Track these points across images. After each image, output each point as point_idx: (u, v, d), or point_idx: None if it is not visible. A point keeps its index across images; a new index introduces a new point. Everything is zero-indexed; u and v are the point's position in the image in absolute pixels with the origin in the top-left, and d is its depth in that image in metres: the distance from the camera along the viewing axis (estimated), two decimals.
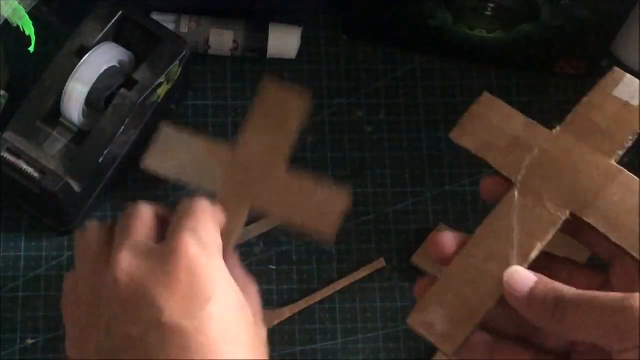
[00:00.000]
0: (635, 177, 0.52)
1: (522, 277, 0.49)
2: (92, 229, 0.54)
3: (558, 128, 0.53)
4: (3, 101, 0.70)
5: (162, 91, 0.69)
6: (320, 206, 0.60)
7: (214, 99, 0.76)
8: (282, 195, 0.61)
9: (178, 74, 0.70)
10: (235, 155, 0.62)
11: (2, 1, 0.64)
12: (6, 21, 0.65)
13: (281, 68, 0.77)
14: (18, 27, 0.65)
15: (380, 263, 0.71)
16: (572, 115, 0.54)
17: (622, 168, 0.52)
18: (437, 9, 0.72)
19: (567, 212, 0.50)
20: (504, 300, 0.49)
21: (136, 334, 0.49)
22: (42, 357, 0.68)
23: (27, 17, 0.65)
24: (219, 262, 0.52)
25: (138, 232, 0.53)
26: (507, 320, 0.51)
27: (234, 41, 0.75)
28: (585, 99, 0.53)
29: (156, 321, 0.49)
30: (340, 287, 0.71)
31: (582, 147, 0.53)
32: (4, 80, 0.72)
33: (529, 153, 0.54)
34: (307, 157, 0.74)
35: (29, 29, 0.65)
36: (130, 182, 0.73)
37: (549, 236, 0.50)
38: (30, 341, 0.69)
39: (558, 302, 0.47)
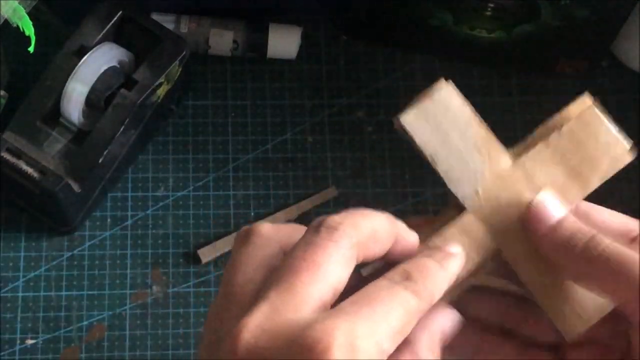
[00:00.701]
0: None
1: (553, 205, 0.43)
2: (261, 244, 0.41)
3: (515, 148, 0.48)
4: (3, 101, 0.70)
5: (162, 91, 0.69)
6: (576, 303, 0.46)
7: (214, 99, 0.76)
8: (537, 260, 0.46)
9: (178, 74, 0.70)
10: (505, 171, 0.48)
11: (2, 1, 0.64)
12: (6, 21, 0.65)
13: (281, 68, 0.77)
14: (18, 27, 0.65)
15: (380, 263, 0.71)
16: (532, 138, 0.49)
17: None
18: (437, 9, 0.72)
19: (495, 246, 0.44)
20: (488, 293, 0.45)
21: None
22: (41, 357, 0.68)
23: (26, 17, 0.65)
24: None
25: (303, 286, 0.38)
26: (492, 311, 0.46)
27: (234, 41, 0.75)
28: (556, 117, 0.48)
29: None
30: None
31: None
32: (4, 80, 0.72)
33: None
34: (307, 157, 0.74)
35: (29, 29, 0.65)
36: (130, 182, 0.73)
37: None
38: (30, 341, 0.69)
39: (587, 245, 0.42)
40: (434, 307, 0.41)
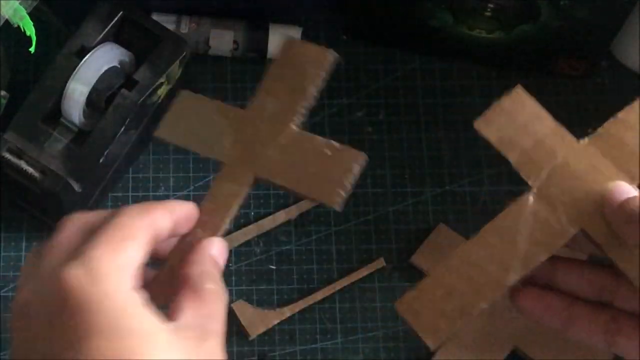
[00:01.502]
0: None
1: (623, 187, 0.49)
2: (66, 228, 0.48)
3: (586, 139, 0.52)
4: (4, 101, 0.70)
5: (162, 91, 0.70)
6: (328, 168, 0.54)
7: (215, 99, 0.76)
8: (286, 160, 0.55)
9: (178, 74, 0.70)
10: (244, 119, 0.58)
11: (2, 1, 0.65)
12: (7, 21, 0.65)
13: None
14: (19, 27, 0.65)
15: (380, 263, 0.72)
16: (602, 129, 0.53)
17: None
18: (437, 10, 0.72)
19: (578, 228, 0.49)
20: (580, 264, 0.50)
21: None
22: None
23: (27, 17, 0.65)
24: (113, 289, 0.44)
25: (45, 258, 0.46)
26: (582, 284, 0.51)
27: (234, 41, 0.76)
28: (619, 115, 0.53)
29: None
30: (340, 287, 0.71)
31: (606, 164, 0.51)
32: (5, 80, 0.72)
33: (551, 159, 0.52)
34: None
35: (30, 30, 0.65)
36: (130, 182, 0.73)
37: (555, 248, 0.49)
38: None
39: None
40: (200, 241, 0.48)
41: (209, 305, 0.46)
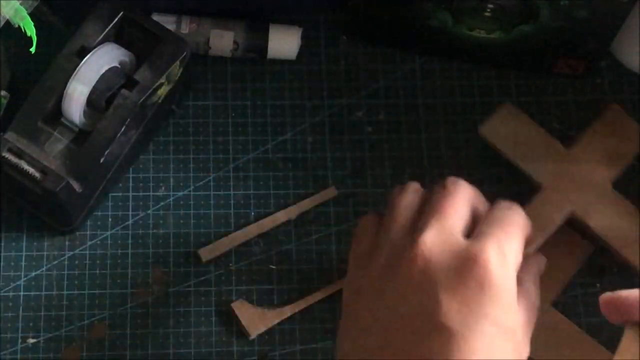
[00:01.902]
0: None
1: None
2: (413, 191, 0.58)
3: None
4: (4, 101, 0.70)
5: (162, 92, 0.70)
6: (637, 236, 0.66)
7: (215, 99, 0.76)
8: (605, 211, 0.68)
9: (179, 74, 0.70)
10: (568, 158, 0.70)
11: (3, 2, 0.65)
12: (8, 22, 0.65)
13: (281, 69, 0.77)
14: (19, 27, 0.65)
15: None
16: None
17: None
18: (436, 10, 0.72)
19: None
20: None
21: (406, 314, 0.52)
22: (43, 356, 0.69)
23: (28, 17, 0.65)
24: (511, 283, 0.53)
25: (451, 217, 0.55)
26: None
27: (234, 42, 0.76)
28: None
29: (430, 312, 0.51)
30: (340, 286, 0.71)
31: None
32: (5, 80, 0.72)
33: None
34: (307, 157, 0.75)
35: (31, 30, 0.65)
36: (130, 182, 0.73)
37: None
38: (31, 340, 0.69)
39: None
40: (536, 255, 0.60)
41: (531, 314, 0.56)
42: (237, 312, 0.69)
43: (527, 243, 0.57)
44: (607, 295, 0.54)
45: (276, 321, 0.70)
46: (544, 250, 0.70)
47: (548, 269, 0.69)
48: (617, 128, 0.71)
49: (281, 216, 0.73)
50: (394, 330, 0.52)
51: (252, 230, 0.72)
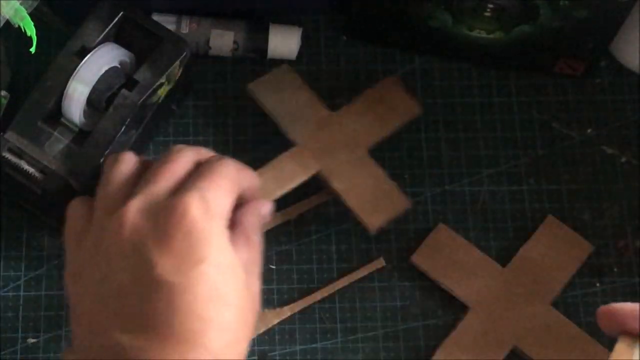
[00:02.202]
0: None
1: None
2: (127, 161, 0.58)
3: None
4: (4, 101, 0.70)
5: (162, 92, 0.70)
6: (378, 199, 0.69)
7: (215, 100, 0.76)
8: (350, 173, 0.70)
9: (179, 74, 0.70)
10: (330, 121, 0.71)
11: (3, 2, 0.65)
12: (8, 22, 0.65)
13: None
14: (19, 27, 0.65)
15: (380, 263, 0.72)
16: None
17: None
18: (436, 10, 0.72)
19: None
20: None
21: (126, 283, 0.52)
22: (43, 356, 0.69)
23: (28, 17, 0.65)
24: (218, 226, 0.54)
25: (159, 182, 0.55)
26: None
27: (235, 42, 0.76)
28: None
29: (147, 274, 0.52)
30: (340, 286, 0.71)
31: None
32: (5, 80, 0.72)
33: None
34: None
35: (30, 30, 0.65)
36: None
37: None
38: (31, 340, 0.69)
39: None
40: (256, 200, 0.59)
41: (253, 251, 0.57)
42: None
43: (249, 190, 0.58)
44: (603, 308, 0.54)
45: (276, 321, 0.70)
46: (543, 249, 0.70)
47: (548, 269, 0.70)
48: (388, 98, 0.72)
49: (281, 216, 0.72)
50: (118, 303, 0.52)
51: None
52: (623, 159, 0.75)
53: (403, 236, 0.73)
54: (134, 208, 0.54)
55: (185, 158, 0.57)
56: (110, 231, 0.54)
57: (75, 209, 0.59)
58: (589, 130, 0.76)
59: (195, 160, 0.58)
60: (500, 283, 0.70)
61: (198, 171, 0.56)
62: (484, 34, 0.74)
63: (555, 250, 0.70)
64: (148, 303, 0.51)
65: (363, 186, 0.70)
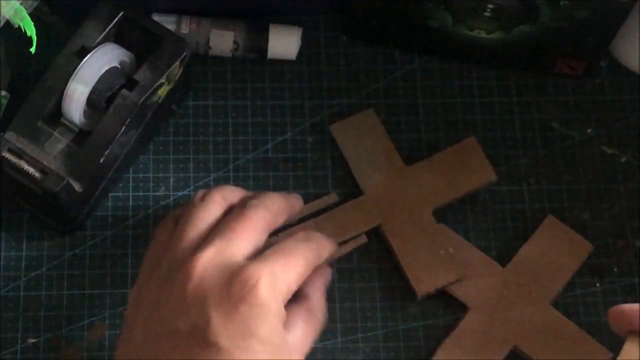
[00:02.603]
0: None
1: None
2: (213, 203, 0.59)
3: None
4: (4, 101, 0.70)
5: (162, 92, 0.70)
6: (432, 265, 0.68)
7: (215, 100, 0.76)
8: (410, 233, 0.69)
9: (179, 74, 0.70)
10: (402, 175, 0.71)
11: (3, 2, 0.65)
12: (7, 22, 0.65)
13: (281, 69, 0.77)
14: (19, 27, 0.65)
15: (363, 239, 0.71)
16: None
17: None
18: (436, 10, 0.72)
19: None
20: None
21: (178, 331, 0.54)
22: (43, 356, 0.69)
23: (28, 17, 0.65)
24: (277, 307, 0.54)
25: (237, 240, 0.56)
26: None
27: (235, 42, 0.76)
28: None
29: (201, 330, 0.53)
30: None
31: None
32: (5, 80, 0.72)
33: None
34: (307, 157, 0.75)
35: (30, 30, 0.65)
36: (130, 182, 0.73)
37: None
38: (31, 340, 0.69)
39: None
40: (325, 269, 0.61)
41: (310, 330, 0.58)
42: None
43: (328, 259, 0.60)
44: (613, 308, 0.55)
45: None
46: (543, 249, 0.70)
47: (548, 269, 0.70)
48: (466, 160, 0.72)
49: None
50: (166, 346, 0.54)
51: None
52: (623, 159, 0.75)
53: None
54: (207, 259, 0.55)
55: (263, 220, 0.58)
56: (179, 273, 0.55)
57: (162, 232, 0.60)
58: (589, 130, 0.76)
59: (271, 224, 0.59)
60: (500, 283, 0.70)
61: (279, 245, 0.57)
62: (484, 34, 0.74)
63: (555, 250, 0.70)
64: (192, 357, 0.53)
65: (420, 249, 0.69)
